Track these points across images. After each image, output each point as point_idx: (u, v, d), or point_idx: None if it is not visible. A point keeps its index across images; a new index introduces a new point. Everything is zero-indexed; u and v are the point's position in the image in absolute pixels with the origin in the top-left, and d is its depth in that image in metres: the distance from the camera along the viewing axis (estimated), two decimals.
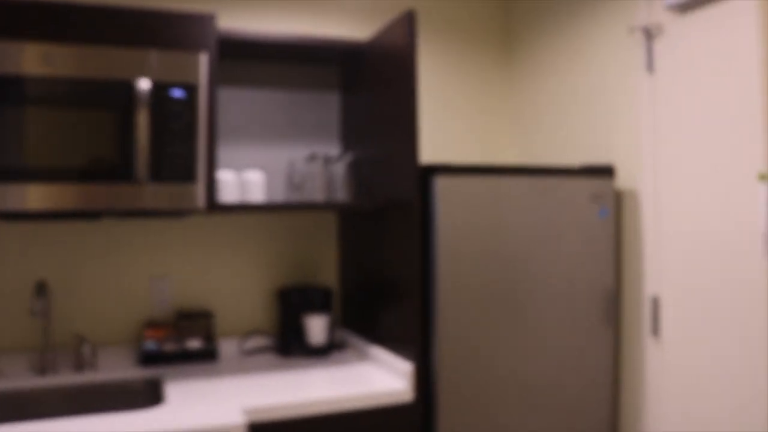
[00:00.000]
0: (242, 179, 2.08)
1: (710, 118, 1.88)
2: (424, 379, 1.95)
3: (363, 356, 2.22)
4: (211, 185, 1.85)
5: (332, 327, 2.30)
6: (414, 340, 1.90)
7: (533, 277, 2.01)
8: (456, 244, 1.92)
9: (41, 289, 1.94)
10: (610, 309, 2.12)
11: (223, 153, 2.32)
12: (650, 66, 2.06)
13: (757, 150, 1.77)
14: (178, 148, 1.78)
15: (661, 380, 2.06)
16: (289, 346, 2.26)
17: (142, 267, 2.24)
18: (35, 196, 1.69)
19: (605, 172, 2.11)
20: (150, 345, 2.13)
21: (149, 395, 2.00)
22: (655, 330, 2.06)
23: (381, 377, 1.98)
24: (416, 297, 1.90)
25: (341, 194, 2.22)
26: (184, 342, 2.19)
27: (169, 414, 1.65)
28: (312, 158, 2.20)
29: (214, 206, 1.85)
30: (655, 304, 2.06)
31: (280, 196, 2.40)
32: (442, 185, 1.90)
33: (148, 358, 2.12)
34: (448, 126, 2.70)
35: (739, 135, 1.81)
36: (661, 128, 2.04)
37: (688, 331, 1.96)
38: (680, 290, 1.98)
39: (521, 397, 2.01)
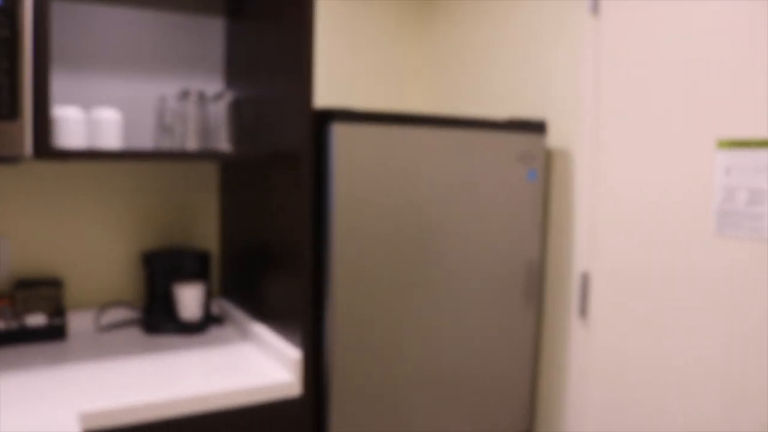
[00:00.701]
0: (92, 118, 1.65)
1: (663, 73, 1.61)
2: (315, 369, 1.64)
3: (245, 335, 1.87)
4: (43, 125, 1.42)
5: (208, 299, 1.93)
6: (302, 321, 1.57)
7: (447, 247, 1.71)
8: (355, 206, 1.58)
9: None
10: (532, 285, 1.86)
11: (72, 85, 1.87)
12: (595, 8, 1.76)
13: (717, 113, 1.51)
14: None
15: (586, 366, 1.83)
16: (157, 321, 1.89)
17: None
18: None
19: (536, 127, 1.81)
20: None
21: None
22: (583, 311, 1.82)
23: (265, 364, 1.65)
24: (305, 268, 1.56)
25: (220, 141, 1.83)
26: (23, 317, 1.78)
27: None
28: (184, 95, 1.79)
29: (46, 152, 1.43)
30: (585, 281, 1.81)
31: (147, 140, 1.98)
32: (340, 134, 1.54)
33: None
34: (350, 66, 2.33)
35: (698, 94, 1.54)
36: (603, 81, 1.75)
37: (620, 313, 1.73)
38: (614, 268, 1.74)
39: (429, 387, 1.73)
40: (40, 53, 1.41)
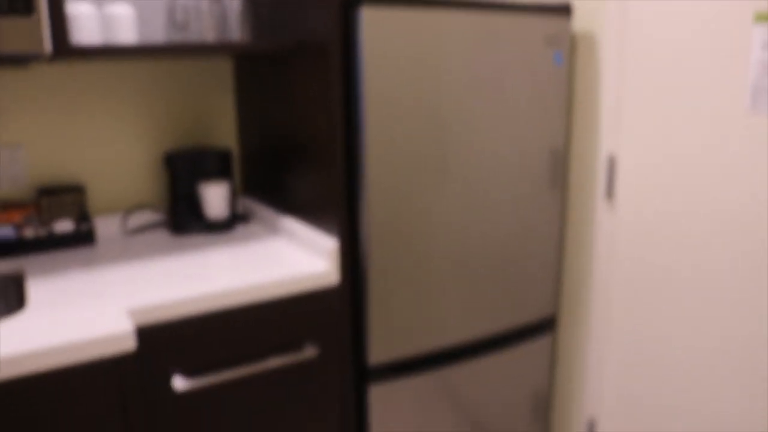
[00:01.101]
0: (105, 14, 1.59)
1: None
2: (352, 257, 1.65)
3: (273, 230, 1.88)
4: (60, 20, 1.36)
5: (233, 196, 1.93)
6: (338, 209, 1.57)
7: (475, 133, 1.69)
8: (386, 94, 1.55)
9: None
10: (558, 170, 1.86)
11: None
12: None
13: None
14: None
15: (612, 248, 1.85)
16: (183, 221, 1.88)
17: None
18: None
19: (561, 11, 1.76)
20: (5, 231, 1.70)
21: (5, 297, 1.59)
22: (610, 193, 1.83)
23: (298, 255, 1.66)
24: (339, 158, 1.55)
25: (236, 33, 1.77)
26: (50, 225, 1.77)
27: (32, 322, 1.28)
28: None
29: (65, 49, 1.38)
30: (611, 163, 1.81)
31: (159, 37, 1.91)
32: (369, 20, 1.49)
33: (4, 248, 1.70)
34: None
35: None
36: None
37: (647, 194, 1.74)
38: (641, 149, 1.73)
39: (460, 272, 1.76)
40: None
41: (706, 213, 1.60)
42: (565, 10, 1.76)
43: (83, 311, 1.33)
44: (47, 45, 1.34)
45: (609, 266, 1.88)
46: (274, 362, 1.51)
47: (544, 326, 1.97)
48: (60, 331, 1.23)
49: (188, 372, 1.42)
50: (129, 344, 1.26)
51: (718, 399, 1.64)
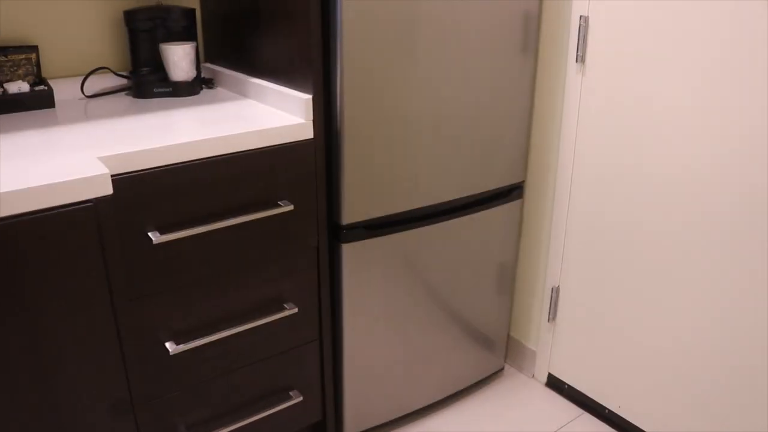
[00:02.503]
0: None
1: None
2: (326, 114, 1.62)
3: (242, 92, 1.82)
4: None
5: (198, 58, 1.86)
6: (312, 65, 1.53)
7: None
8: None
9: None
10: (531, 34, 1.84)
11: None
12: None
13: None
14: None
15: (582, 112, 1.87)
16: (147, 84, 1.81)
17: None
18: None
19: None
20: None
21: None
22: (581, 57, 1.83)
23: (271, 113, 1.62)
24: (313, 12, 1.50)
25: None
26: (3, 86, 1.68)
27: (4, 171, 1.23)
28: None
29: None
30: (584, 24, 1.80)
31: None
32: None
33: None
34: None
35: None
36: None
37: (619, 59, 1.74)
38: (614, 9, 1.72)
39: (432, 134, 1.75)
40: None
41: (677, 76, 1.62)
42: None
43: (55, 160, 1.29)
44: None
45: (577, 133, 1.90)
46: (249, 217, 1.51)
47: (512, 193, 2.00)
48: (34, 176, 1.19)
49: (163, 225, 1.40)
50: (106, 188, 1.23)
51: (674, 265, 1.72)
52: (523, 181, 2.03)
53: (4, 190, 1.12)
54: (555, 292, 2.09)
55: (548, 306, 2.12)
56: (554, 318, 2.12)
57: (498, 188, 1.95)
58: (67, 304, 1.25)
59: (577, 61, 1.84)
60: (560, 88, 1.91)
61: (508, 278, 2.11)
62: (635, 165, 1.76)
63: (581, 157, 1.90)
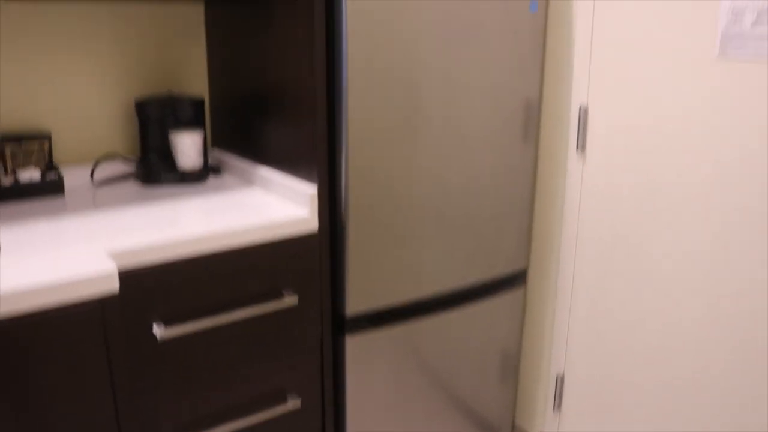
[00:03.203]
0: None
1: None
2: (330, 205, 1.64)
3: (248, 180, 1.85)
4: None
5: (206, 146, 1.89)
6: (317, 158, 1.56)
7: (452, 83, 1.69)
8: (367, 42, 1.53)
9: None
10: (532, 121, 1.87)
11: None
12: None
13: None
14: None
15: (583, 199, 1.89)
16: (155, 172, 1.84)
17: None
18: None
19: None
20: None
21: None
22: (581, 145, 1.86)
23: (275, 204, 1.64)
24: (319, 106, 1.53)
25: None
26: (16, 173, 1.71)
27: (9, 267, 1.24)
28: None
29: None
30: (583, 115, 1.83)
31: None
32: None
33: None
34: None
35: None
36: None
37: (618, 147, 1.77)
38: (612, 100, 1.76)
39: (436, 223, 1.77)
40: None
41: (675, 164, 1.65)
42: None
43: (61, 255, 1.29)
44: None
45: (579, 219, 1.92)
46: (254, 310, 1.51)
47: (515, 280, 2.00)
48: (40, 273, 1.20)
49: (168, 319, 1.40)
50: (113, 285, 1.23)
51: (682, 353, 1.70)
52: (526, 268, 2.03)
53: (7, 287, 1.13)
54: (560, 380, 2.06)
55: (553, 395, 2.09)
56: (560, 407, 2.08)
57: (501, 275, 1.95)
58: (69, 401, 1.24)
59: (577, 149, 1.87)
60: (561, 176, 1.94)
61: (512, 366, 2.09)
62: (637, 251, 1.77)
63: (583, 244, 1.91)
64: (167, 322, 1.39)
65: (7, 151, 1.72)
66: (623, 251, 1.81)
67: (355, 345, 1.70)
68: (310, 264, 1.59)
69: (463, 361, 1.95)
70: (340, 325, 1.69)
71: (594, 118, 1.82)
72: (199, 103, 1.88)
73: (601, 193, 1.84)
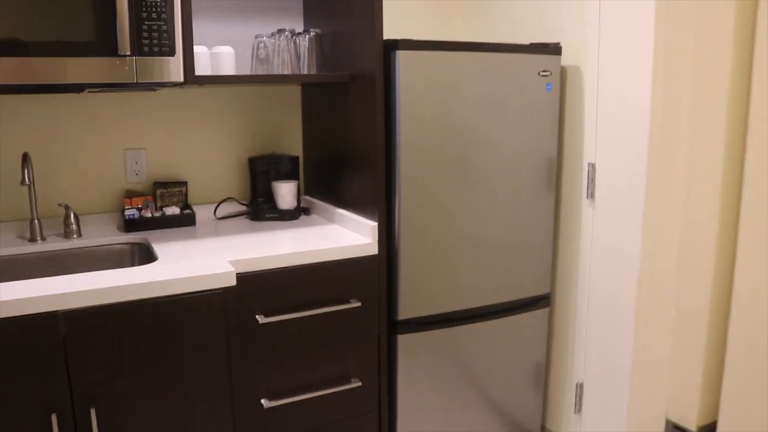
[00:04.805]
0: (214, 53, 2.19)
1: (642, 12, 2.07)
2: (388, 235, 2.19)
3: (329, 218, 2.44)
4: (189, 58, 1.96)
5: (299, 193, 2.50)
6: (378, 201, 2.12)
7: (484, 145, 2.23)
8: (415, 115, 2.10)
9: (27, 161, 2.06)
10: (551, 175, 2.38)
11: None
12: None
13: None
14: (158, 22, 1.87)
15: (594, 238, 2.35)
16: (261, 211, 2.46)
17: (119, 139, 2.37)
18: (28, 69, 1.78)
19: (552, 50, 2.30)
20: (132, 213, 2.30)
21: (140, 255, 2.19)
22: (591, 193, 2.34)
23: (348, 235, 2.21)
24: (380, 163, 2.10)
25: (306, 68, 2.36)
26: (163, 209, 2.36)
27: (166, 267, 1.85)
28: (278, 33, 2.31)
29: (192, 78, 1.98)
30: (592, 169, 2.32)
31: (246, 70, 2.51)
32: (403, 59, 2.05)
33: (131, 225, 2.29)
34: (400, 8, 2.81)
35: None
36: (606, 14, 2.21)
37: (620, 195, 2.24)
38: (615, 158, 2.24)
39: (472, 252, 2.28)
40: (185, 7, 1.94)
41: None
42: (554, 49, 2.30)
43: (198, 261, 1.91)
44: (180, 75, 1.94)
45: (591, 253, 2.38)
46: (327, 309, 2.06)
47: (540, 302, 2.47)
48: (185, 271, 1.81)
49: (267, 311, 1.97)
50: (232, 280, 1.82)
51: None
52: (550, 292, 2.50)
53: (166, 277, 1.74)
54: (579, 387, 2.49)
55: (574, 400, 2.51)
56: (580, 410, 2.50)
57: (526, 297, 2.43)
58: (200, 362, 1.82)
59: (587, 197, 2.35)
60: (577, 218, 2.41)
61: (541, 375, 2.54)
62: (629, 290, 2.21)
63: (595, 274, 2.36)
64: (266, 313, 1.97)
65: (158, 193, 2.38)
66: (628, 280, 2.25)
67: (405, 343, 2.22)
68: (371, 278, 2.14)
69: (498, 367, 2.42)
70: (394, 326, 2.21)
71: (600, 173, 2.30)
72: (295, 160, 2.50)
73: (608, 234, 2.30)
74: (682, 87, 2.00)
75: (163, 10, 1.88)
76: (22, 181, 2.03)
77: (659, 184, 2.10)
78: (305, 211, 2.54)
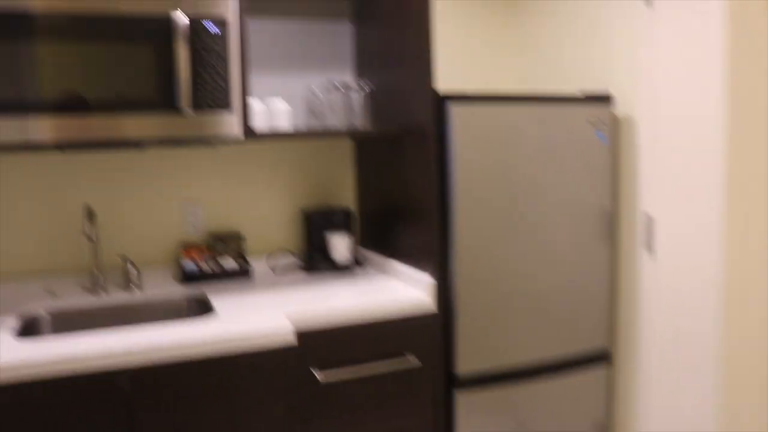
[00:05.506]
0: (270, 108, 2.23)
1: (704, 56, 2.04)
2: (445, 291, 2.17)
3: (384, 271, 2.43)
4: (246, 113, 2.00)
5: (353, 245, 2.50)
6: (434, 255, 2.10)
7: (539, 197, 2.21)
8: (470, 168, 2.09)
9: (89, 213, 2.11)
10: (606, 226, 2.33)
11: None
12: (648, 1, 2.19)
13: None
14: (216, 78, 1.92)
15: (655, 292, 2.28)
16: (315, 263, 2.46)
17: (178, 193, 2.42)
18: (89, 126, 1.84)
19: (604, 100, 2.28)
20: (190, 265, 2.33)
21: (198, 308, 2.21)
22: (649, 246, 2.28)
23: (404, 289, 2.19)
24: (435, 216, 2.09)
25: (359, 121, 2.38)
26: (219, 262, 2.39)
27: (224, 322, 1.86)
28: (331, 87, 2.34)
29: (249, 134, 2.01)
30: (649, 222, 2.26)
31: (299, 123, 2.55)
32: (457, 113, 2.06)
33: (189, 277, 2.31)
34: (451, 55, 2.84)
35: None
36: (659, 61, 2.19)
37: (684, 250, 2.17)
38: (673, 210, 2.18)
39: (529, 306, 2.24)
40: (243, 61, 1.98)
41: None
42: (606, 100, 2.28)
43: (255, 316, 1.91)
44: (238, 130, 1.97)
45: (654, 308, 2.30)
46: (385, 366, 2.03)
47: (598, 358, 2.40)
48: (242, 327, 1.81)
49: (323, 366, 1.95)
50: (291, 339, 1.82)
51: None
52: (607, 346, 2.42)
53: (222, 334, 1.74)
54: None
55: None
56: None
57: (583, 351, 2.36)
58: (260, 417, 1.81)
59: (646, 249, 2.29)
60: (635, 271, 2.35)
61: None
62: (705, 345, 2.13)
63: (658, 330, 2.28)
64: (322, 367, 1.95)
65: (215, 246, 2.40)
66: (698, 346, 2.17)
67: (464, 400, 2.17)
68: (428, 335, 2.11)
69: (557, 427, 2.34)
70: (452, 383, 2.17)
71: (660, 226, 2.24)
72: (348, 213, 2.50)
73: (672, 288, 2.22)
74: (757, 137, 1.95)
75: (222, 66, 1.93)
76: (88, 238, 2.08)
77: (739, 241, 2.03)
78: (359, 263, 2.54)
